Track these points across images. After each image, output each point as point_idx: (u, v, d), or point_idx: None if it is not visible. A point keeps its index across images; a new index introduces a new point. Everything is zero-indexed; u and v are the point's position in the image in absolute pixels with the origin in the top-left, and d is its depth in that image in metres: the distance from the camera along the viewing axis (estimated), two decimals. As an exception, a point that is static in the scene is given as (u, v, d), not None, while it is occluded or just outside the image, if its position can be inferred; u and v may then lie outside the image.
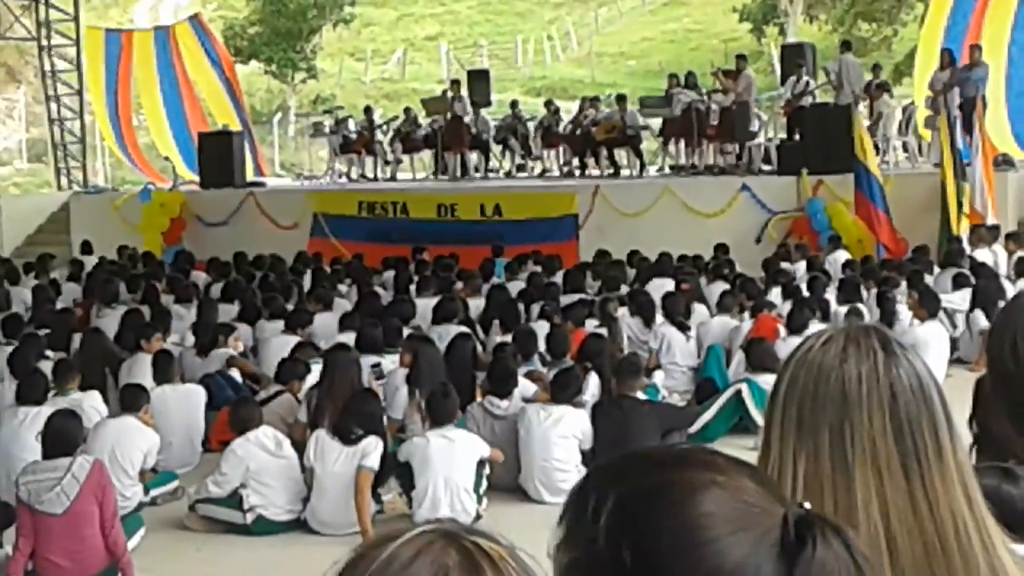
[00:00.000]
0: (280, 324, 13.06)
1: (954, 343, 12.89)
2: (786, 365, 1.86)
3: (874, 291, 13.87)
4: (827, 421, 1.76)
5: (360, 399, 8.92)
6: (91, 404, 9.98)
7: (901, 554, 1.71)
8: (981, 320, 13.15)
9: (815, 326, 11.85)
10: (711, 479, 1.37)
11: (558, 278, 15.66)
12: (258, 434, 8.78)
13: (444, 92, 24.93)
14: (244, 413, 9.00)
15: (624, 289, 14.71)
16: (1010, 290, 13.92)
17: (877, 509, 1.72)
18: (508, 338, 11.74)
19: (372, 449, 8.45)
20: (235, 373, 11.81)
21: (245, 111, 29.01)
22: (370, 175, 25.42)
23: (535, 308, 13.41)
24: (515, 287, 14.92)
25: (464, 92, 24.33)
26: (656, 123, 22.87)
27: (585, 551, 1.36)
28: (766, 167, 20.83)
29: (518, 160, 25.05)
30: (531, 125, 24.74)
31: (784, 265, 15.87)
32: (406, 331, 12.15)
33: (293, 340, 12.22)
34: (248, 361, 12.29)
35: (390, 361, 11.12)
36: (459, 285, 15.17)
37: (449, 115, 23.54)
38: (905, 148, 21.72)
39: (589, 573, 1.35)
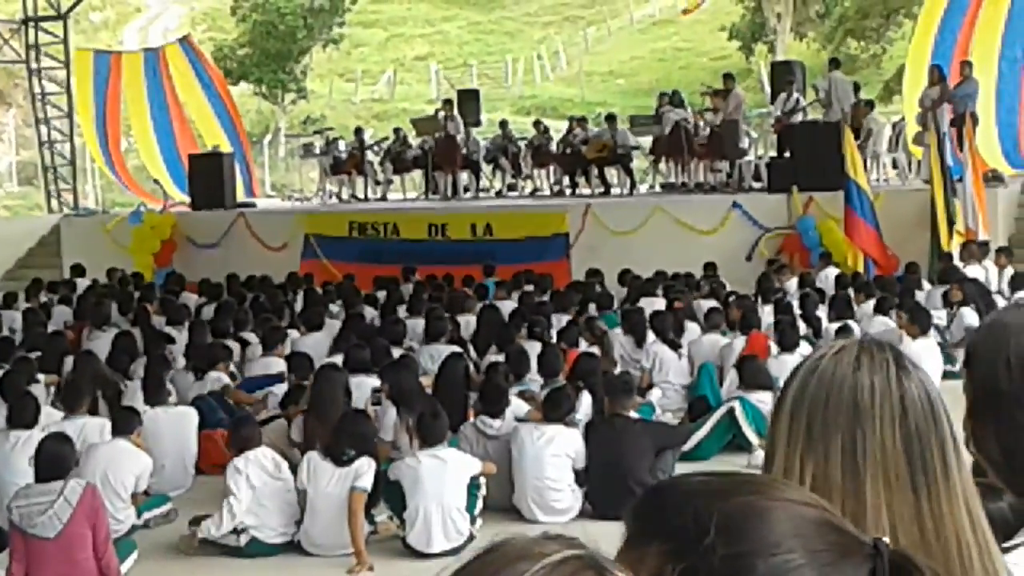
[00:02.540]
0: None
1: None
2: (794, 374, 1.84)
3: (865, 305, 13.93)
4: (839, 429, 1.75)
5: (351, 420, 8.89)
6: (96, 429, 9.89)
7: None
8: (969, 318, 13.25)
9: (807, 344, 11.88)
10: (804, 501, 1.38)
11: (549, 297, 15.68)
12: (257, 454, 8.74)
13: (436, 112, 24.96)
14: (245, 432, 8.96)
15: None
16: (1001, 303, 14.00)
17: (887, 521, 1.71)
18: (500, 358, 11.73)
19: (365, 470, 8.42)
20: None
21: (241, 130, 28.98)
22: (361, 195, 25.43)
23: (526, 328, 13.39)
24: (507, 307, 14.91)
25: (456, 112, 24.36)
26: (646, 142, 22.91)
27: (700, 559, 1.34)
28: (756, 184, 20.87)
29: (509, 180, 25.10)
30: (521, 144, 24.78)
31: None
32: (397, 352, 12.11)
33: (273, 361, 12.20)
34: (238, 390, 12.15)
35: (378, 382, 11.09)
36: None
37: (441, 135, 23.58)
38: (895, 164, 21.76)
39: None
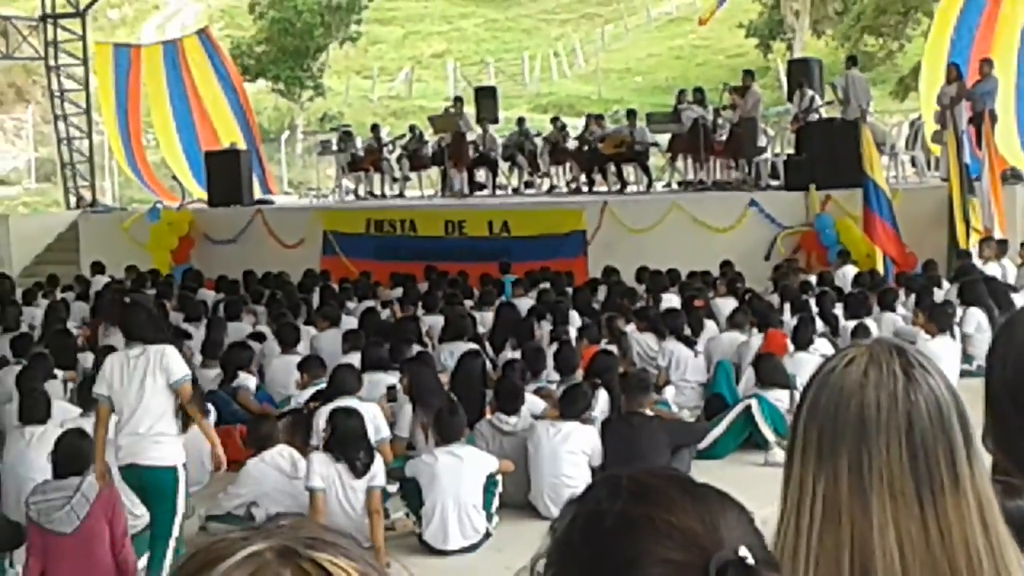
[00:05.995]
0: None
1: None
2: (809, 384, 1.84)
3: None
4: (846, 447, 1.75)
5: (340, 418, 8.69)
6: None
7: None
8: (977, 317, 13.19)
9: (822, 341, 11.86)
10: (648, 516, 1.37)
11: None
12: (273, 454, 8.73)
13: (447, 110, 24.98)
14: (264, 430, 8.96)
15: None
16: (1019, 301, 13.97)
17: (893, 537, 1.71)
18: (517, 355, 11.73)
19: (378, 469, 8.42)
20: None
21: (254, 127, 28.96)
22: (378, 192, 25.44)
23: (544, 325, 13.41)
24: (524, 304, 14.91)
25: (466, 109, 24.35)
26: (664, 139, 22.88)
27: (552, 560, 1.41)
28: (774, 182, 20.82)
29: (526, 177, 25.08)
30: (538, 141, 24.77)
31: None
32: (416, 348, 12.12)
33: (293, 360, 12.19)
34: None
35: (395, 379, 11.09)
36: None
37: (456, 132, 23.59)
38: (913, 162, 21.68)
39: None
